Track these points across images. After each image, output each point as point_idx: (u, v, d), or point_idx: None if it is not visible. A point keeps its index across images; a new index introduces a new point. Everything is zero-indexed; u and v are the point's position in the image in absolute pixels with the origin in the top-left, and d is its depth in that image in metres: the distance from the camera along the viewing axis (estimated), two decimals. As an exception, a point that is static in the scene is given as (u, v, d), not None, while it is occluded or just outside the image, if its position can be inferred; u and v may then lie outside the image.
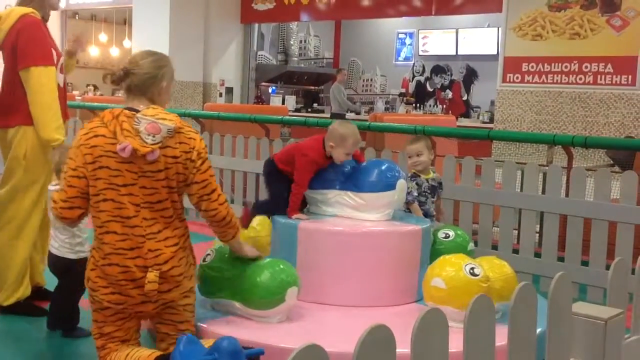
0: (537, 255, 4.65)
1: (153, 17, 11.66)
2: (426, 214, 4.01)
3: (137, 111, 2.73)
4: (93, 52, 17.43)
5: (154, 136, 2.66)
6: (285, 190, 3.62)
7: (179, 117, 2.78)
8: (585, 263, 4.43)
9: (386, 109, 13.54)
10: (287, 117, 7.55)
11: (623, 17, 7.87)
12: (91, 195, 2.71)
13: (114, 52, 17.16)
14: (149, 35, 11.75)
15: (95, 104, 8.89)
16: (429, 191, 4.07)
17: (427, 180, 4.08)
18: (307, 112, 12.77)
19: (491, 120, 10.35)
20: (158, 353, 2.72)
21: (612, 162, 5.99)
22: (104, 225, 2.70)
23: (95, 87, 15.70)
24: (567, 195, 4.58)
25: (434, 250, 3.68)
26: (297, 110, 12.97)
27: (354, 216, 3.57)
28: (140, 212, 2.69)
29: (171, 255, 2.71)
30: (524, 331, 1.41)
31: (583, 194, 4.42)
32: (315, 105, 14.01)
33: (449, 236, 3.82)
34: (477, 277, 3.03)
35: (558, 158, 5.62)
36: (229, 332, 2.91)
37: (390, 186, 3.52)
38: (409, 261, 3.45)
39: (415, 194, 4.01)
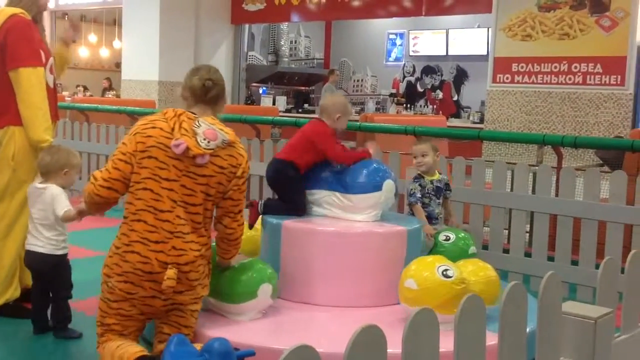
0: (528, 254, 4.66)
1: (143, 17, 11.62)
2: (430, 216, 4.01)
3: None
4: (83, 52, 17.36)
5: (209, 142, 2.76)
6: (299, 192, 3.63)
7: (240, 142, 2.89)
8: (575, 262, 4.45)
9: (377, 110, 13.55)
10: (278, 118, 7.54)
11: (612, 17, 7.92)
12: (133, 182, 2.79)
13: (104, 52, 17.11)
14: (139, 36, 11.71)
15: (85, 104, 8.86)
16: (433, 193, 4.07)
17: (431, 181, 4.08)
18: (297, 112, 12.76)
19: (481, 121, 10.38)
20: (144, 353, 2.72)
21: (601, 162, 6.02)
22: (137, 213, 2.75)
23: (85, 88, 15.65)
24: (557, 195, 4.60)
25: (434, 253, 3.69)
26: (287, 110, 12.96)
27: (342, 217, 3.58)
28: (176, 209, 2.74)
29: (193, 259, 2.76)
30: (515, 330, 1.41)
31: (573, 194, 4.43)
32: (306, 105, 14.00)
33: (449, 239, 3.83)
34: (449, 279, 3.00)
35: (548, 158, 5.64)
36: (216, 332, 2.90)
37: (377, 187, 3.54)
38: (394, 262, 3.41)
39: (419, 195, 4.02)
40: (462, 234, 3.90)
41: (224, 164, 2.80)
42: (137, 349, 2.74)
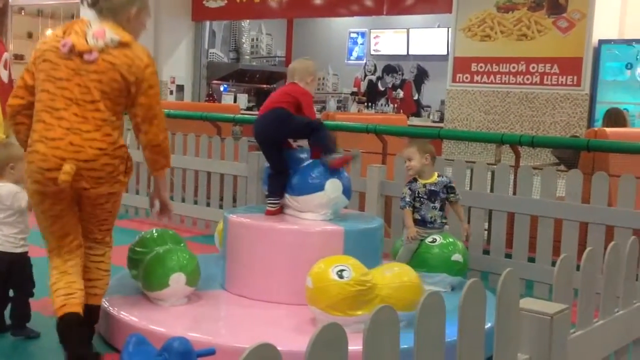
0: (486, 252, 4.72)
1: (102, 13, 11.45)
2: (423, 220, 3.97)
3: None
4: (39, 48, 17.03)
5: (97, 40, 2.88)
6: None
7: (143, 48, 2.99)
8: (532, 260, 4.52)
9: (338, 108, 13.56)
10: (239, 116, 7.51)
11: (569, 19, 8.05)
12: (36, 90, 2.93)
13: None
14: (98, 31, 11.54)
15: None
16: (425, 196, 3.99)
17: (424, 185, 4.00)
18: (259, 110, 12.70)
19: (441, 120, 10.47)
20: (68, 310, 2.86)
21: (558, 161, 6.12)
22: (37, 114, 2.89)
23: (42, 84, 15.37)
24: (514, 193, 4.67)
25: (418, 256, 3.76)
26: (249, 108, 12.88)
27: (297, 216, 3.65)
28: (71, 107, 2.85)
29: (93, 157, 2.83)
30: (473, 326, 1.43)
31: (530, 192, 4.50)
32: (267, 103, 13.94)
33: (435, 241, 3.84)
34: (343, 280, 2.98)
35: (506, 157, 5.72)
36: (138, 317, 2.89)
37: (318, 188, 3.56)
38: None
39: (408, 199, 3.97)
40: (449, 240, 3.89)
41: (116, 61, 2.89)
42: (61, 302, 2.88)
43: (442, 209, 4.05)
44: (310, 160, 3.63)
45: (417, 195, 3.99)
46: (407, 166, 4.04)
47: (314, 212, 3.62)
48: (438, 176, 4.06)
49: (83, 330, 2.93)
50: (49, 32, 16.24)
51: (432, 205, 3.99)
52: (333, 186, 3.57)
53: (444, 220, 4.06)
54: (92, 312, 3.07)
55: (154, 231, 3.65)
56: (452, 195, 4.06)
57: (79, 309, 2.91)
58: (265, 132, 3.70)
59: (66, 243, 3.00)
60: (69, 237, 3.01)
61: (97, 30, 2.90)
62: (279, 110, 3.62)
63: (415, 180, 4.03)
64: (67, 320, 2.88)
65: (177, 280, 3.32)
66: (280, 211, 3.72)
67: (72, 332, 2.88)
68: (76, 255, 3.02)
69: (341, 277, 2.99)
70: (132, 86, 2.91)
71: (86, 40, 2.87)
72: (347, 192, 3.69)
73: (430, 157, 4.03)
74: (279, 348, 1.13)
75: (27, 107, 2.98)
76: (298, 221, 3.63)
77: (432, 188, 4.00)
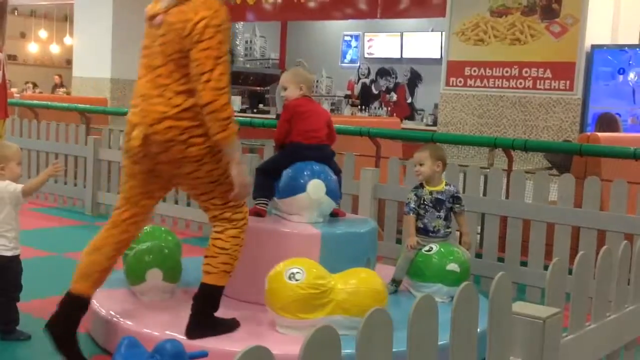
0: (478, 255, 4.73)
1: (95, 14, 11.43)
2: (425, 229, 3.81)
3: None
4: (32, 48, 17.00)
5: (162, 2, 2.88)
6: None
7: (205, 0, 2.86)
8: (524, 263, 4.53)
9: (332, 111, 13.56)
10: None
11: (562, 23, 8.09)
12: None
13: (54, 49, 16.79)
14: (91, 32, 11.52)
15: (35, 101, 8.67)
16: (431, 204, 3.81)
17: (430, 192, 3.83)
18: (252, 112, 12.70)
19: (434, 123, 10.49)
20: (74, 292, 2.95)
21: (550, 165, 6.14)
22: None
23: (35, 85, 15.31)
24: (507, 197, 4.68)
25: (414, 265, 3.72)
26: (242, 110, 12.88)
27: (287, 218, 3.65)
28: (146, 75, 2.92)
29: (155, 121, 2.84)
30: (466, 330, 1.43)
31: (522, 196, 4.52)
32: (260, 106, 13.94)
33: (431, 250, 3.72)
34: (294, 282, 2.97)
35: (499, 161, 5.73)
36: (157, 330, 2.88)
37: (299, 189, 3.54)
38: None
39: (413, 205, 3.81)
40: (446, 249, 3.72)
41: (173, 20, 2.85)
42: (74, 277, 2.97)
43: (446, 218, 3.86)
44: (296, 163, 3.62)
45: (422, 202, 3.83)
46: (417, 171, 3.85)
47: (299, 214, 3.60)
48: (446, 184, 3.89)
49: (74, 317, 2.97)
50: (41, 32, 16.19)
51: (437, 214, 3.82)
52: (315, 188, 3.53)
53: (447, 230, 3.87)
54: (202, 291, 3.03)
55: (147, 229, 3.72)
56: (457, 205, 3.88)
57: (85, 292, 2.98)
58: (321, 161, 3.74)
59: (120, 210, 3.05)
60: (126, 205, 3.04)
61: None
62: (331, 151, 3.78)
63: (422, 186, 3.87)
64: (67, 299, 2.98)
65: (154, 275, 3.43)
66: (265, 211, 3.72)
67: (63, 314, 2.95)
68: (119, 229, 3.03)
69: (293, 279, 2.97)
70: (186, 41, 2.81)
71: (160, 5, 2.90)
72: (333, 194, 3.63)
73: (442, 164, 3.86)
74: (274, 352, 1.13)
75: None
76: (281, 223, 3.61)
77: (439, 196, 3.83)
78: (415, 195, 3.86)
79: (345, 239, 3.58)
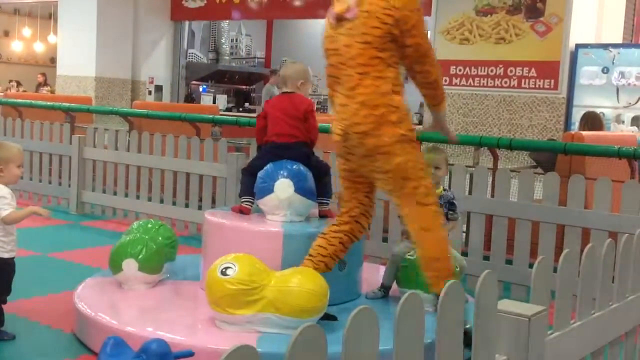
0: (464, 254, 4.74)
1: (79, 12, 11.36)
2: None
3: None
4: (16, 46, 16.88)
5: None
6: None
7: None
8: (509, 262, 4.55)
9: (318, 110, 13.57)
10: (218, 117, 7.48)
11: (546, 22, 8.14)
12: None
13: (38, 47, 16.67)
14: (76, 30, 11.45)
15: (19, 100, 8.61)
16: None
17: None
18: (238, 111, 12.69)
19: (420, 122, 10.51)
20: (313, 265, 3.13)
21: (535, 164, 6.17)
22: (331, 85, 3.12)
23: (19, 83, 15.20)
24: (492, 195, 4.70)
25: (400, 269, 3.65)
26: (228, 109, 12.86)
27: (266, 217, 3.67)
28: (345, 70, 2.98)
29: (353, 112, 2.93)
30: (452, 328, 1.44)
31: (508, 195, 4.54)
32: (246, 104, 13.93)
33: (414, 255, 3.55)
34: (225, 277, 2.98)
35: (484, 159, 5.75)
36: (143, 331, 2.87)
37: (267, 191, 3.57)
38: (268, 260, 3.29)
39: None
40: None
41: (371, 8, 2.92)
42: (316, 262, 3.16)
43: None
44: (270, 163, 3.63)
45: None
46: (433, 174, 3.67)
47: (274, 213, 3.63)
48: (444, 189, 3.80)
49: None
50: (25, 30, 16.08)
51: None
52: (281, 187, 3.53)
53: None
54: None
55: (143, 222, 3.90)
56: (451, 212, 3.77)
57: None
58: (290, 159, 3.70)
59: (342, 210, 3.23)
60: (346, 205, 3.21)
61: None
62: (306, 149, 3.71)
63: None
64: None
65: (129, 266, 3.56)
66: (249, 210, 3.74)
67: None
68: (340, 228, 3.21)
69: (224, 274, 2.99)
70: (393, 29, 2.91)
71: (346, 2, 2.96)
72: (306, 192, 3.60)
73: (448, 170, 3.83)
74: (259, 350, 1.13)
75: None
76: (249, 220, 3.66)
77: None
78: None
79: (310, 239, 3.50)
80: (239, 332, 3.01)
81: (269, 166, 3.62)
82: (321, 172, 3.72)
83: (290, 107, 3.66)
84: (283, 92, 3.74)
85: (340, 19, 2.99)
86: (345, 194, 3.24)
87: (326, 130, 5.87)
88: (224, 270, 3.00)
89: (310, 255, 3.19)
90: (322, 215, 3.78)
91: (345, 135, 2.99)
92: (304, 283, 3.00)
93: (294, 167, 3.60)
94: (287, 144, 3.63)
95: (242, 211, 3.72)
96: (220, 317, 3.05)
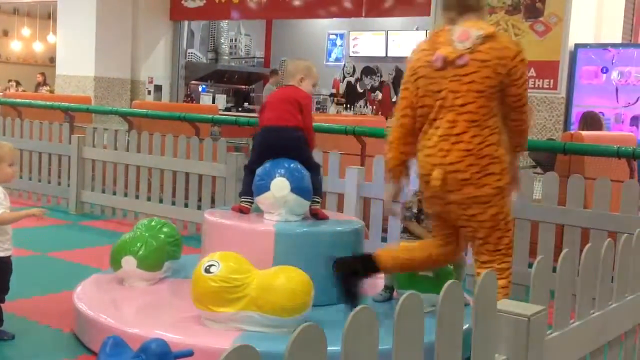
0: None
1: (79, 11, 11.35)
2: (420, 237, 3.62)
3: None
4: (15, 46, 16.87)
5: (464, 43, 2.92)
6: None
7: (509, 36, 2.92)
8: (509, 261, 4.54)
9: (317, 109, 13.58)
10: (218, 116, 7.49)
11: (546, 22, 8.13)
12: (416, 106, 3.07)
13: (37, 47, 16.66)
14: (75, 30, 11.44)
15: (18, 100, 8.60)
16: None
17: None
18: (237, 111, 12.68)
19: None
20: (378, 254, 3.20)
21: (534, 163, 6.17)
22: (420, 126, 3.05)
23: (18, 83, 15.19)
24: (492, 195, 4.68)
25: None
26: (227, 109, 12.86)
27: (264, 215, 3.68)
28: (446, 115, 2.93)
29: (457, 159, 2.89)
30: (451, 327, 1.44)
31: (507, 194, 4.53)
32: (245, 104, 13.93)
33: None
34: (208, 275, 3.01)
35: (484, 159, 5.74)
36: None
37: (264, 188, 3.57)
38: (260, 259, 3.32)
39: (415, 210, 3.67)
40: None
41: (485, 57, 2.91)
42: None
43: None
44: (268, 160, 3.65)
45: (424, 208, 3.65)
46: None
47: (270, 212, 3.64)
48: None
49: (362, 270, 3.24)
50: (24, 30, 16.03)
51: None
52: (277, 186, 3.54)
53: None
54: None
55: (146, 221, 3.95)
56: None
57: (382, 263, 3.22)
58: (280, 146, 3.67)
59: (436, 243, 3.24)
60: (438, 241, 3.21)
61: (460, 34, 2.94)
62: (298, 133, 3.65)
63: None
64: (367, 255, 3.26)
65: (128, 262, 3.61)
66: (249, 209, 3.74)
67: (356, 260, 3.28)
68: (431, 243, 3.25)
69: (208, 272, 3.01)
70: (505, 79, 2.92)
71: (453, 47, 2.93)
72: (302, 191, 3.60)
73: None
74: (258, 349, 1.13)
75: (414, 124, 3.09)
76: (244, 218, 3.68)
77: (394, 199, 3.62)
78: (419, 201, 3.68)
79: (302, 238, 3.53)
80: (222, 329, 3.03)
81: (267, 164, 3.62)
82: (311, 170, 3.70)
83: (285, 95, 3.75)
84: (279, 85, 3.79)
85: (447, 64, 2.94)
86: (436, 230, 3.25)
87: (325, 130, 5.88)
88: (207, 267, 3.03)
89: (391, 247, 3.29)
90: (313, 214, 3.77)
91: (444, 180, 2.94)
92: (285, 282, 3.01)
93: (292, 165, 3.61)
94: (278, 127, 3.65)
95: (242, 210, 3.73)
96: (204, 315, 3.08)
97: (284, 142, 3.64)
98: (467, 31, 2.94)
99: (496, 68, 2.90)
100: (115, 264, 3.67)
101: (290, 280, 3.02)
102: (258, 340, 2.78)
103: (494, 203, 2.95)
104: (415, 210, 3.71)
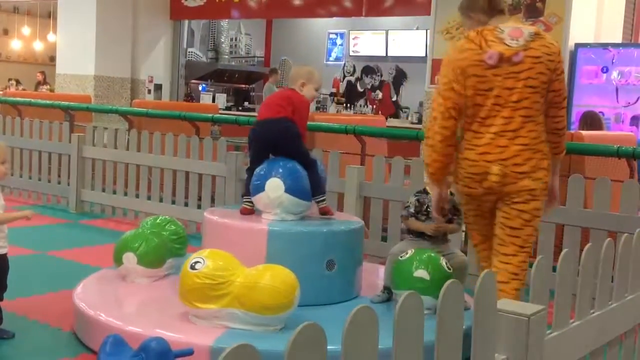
0: (463, 253, 4.74)
1: (79, 10, 11.34)
2: (422, 233, 3.63)
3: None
4: (16, 45, 16.88)
5: (517, 40, 2.96)
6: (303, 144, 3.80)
7: (546, 34, 3.06)
8: (509, 261, 4.54)
9: (317, 109, 13.57)
10: (218, 115, 7.48)
11: (546, 22, 8.13)
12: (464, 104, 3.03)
13: (38, 46, 16.66)
14: (75, 29, 11.43)
15: (18, 99, 8.60)
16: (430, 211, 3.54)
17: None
18: (237, 110, 12.68)
19: (420, 121, 10.52)
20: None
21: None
22: (467, 125, 3.03)
23: (18, 82, 15.18)
24: (492, 195, 4.68)
25: (393, 269, 3.55)
26: (227, 108, 12.85)
27: (264, 216, 3.68)
28: (500, 112, 2.95)
29: (515, 153, 2.92)
30: (451, 327, 1.44)
31: (507, 194, 4.53)
32: (246, 103, 13.93)
33: (404, 255, 3.50)
34: (193, 271, 3.02)
35: (484, 159, 5.74)
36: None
37: (260, 189, 3.59)
38: (253, 257, 3.31)
39: (412, 210, 3.66)
40: (419, 255, 3.45)
41: (538, 53, 2.96)
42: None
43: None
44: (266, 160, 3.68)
45: (425, 208, 3.65)
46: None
47: (267, 211, 3.66)
48: (450, 193, 3.55)
49: None
50: (24, 29, 16.02)
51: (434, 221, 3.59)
52: (272, 186, 3.55)
53: (445, 237, 3.72)
54: None
55: (151, 218, 3.98)
56: (455, 217, 3.63)
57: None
58: (270, 139, 3.66)
59: (480, 248, 3.24)
60: (483, 244, 3.21)
61: (512, 31, 2.99)
62: (289, 123, 3.63)
63: (425, 192, 3.69)
64: None
65: (129, 259, 3.65)
66: (252, 210, 3.74)
67: None
68: (486, 262, 3.21)
69: (193, 268, 3.03)
70: (552, 75, 2.99)
71: (506, 45, 2.95)
72: (299, 192, 3.58)
73: None
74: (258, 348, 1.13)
75: (457, 125, 3.08)
76: (239, 217, 3.70)
77: (442, 205, 3.50)
78: (418, 201, 3.70)
79: (296, 237, 3.52)
80: (207, 326, 3.05)
81: (264, 164, 3.64)
82: (308, 166, 3.66)
83: (279, 94, 3.89)
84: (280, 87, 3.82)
85: (502, 61, 2.96)
86: (482, 230, 3.21)
87: (326, 129, 5.88)
88: (193, 264, 3.05)
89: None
90: (323, 213, 3.77)
91: (503, 176, 2.95)
92: (269, 280, 3.00)
93: (288, 165, 3.61)
94: (266, 120, 3.70)
95: (246, 212, 3.74)
96: (190, 311, 3.10)
97: (273, 134, 3.64)
98: (520, 29, 3.01)
99: (547, 64, 2.97)
100: (117, 260, 3.72)
101: (274, 279, 3.00)
102: (241, 337, 2.77)
103: (540, 198, 3.00)
104: (412, 210, 3.71)
